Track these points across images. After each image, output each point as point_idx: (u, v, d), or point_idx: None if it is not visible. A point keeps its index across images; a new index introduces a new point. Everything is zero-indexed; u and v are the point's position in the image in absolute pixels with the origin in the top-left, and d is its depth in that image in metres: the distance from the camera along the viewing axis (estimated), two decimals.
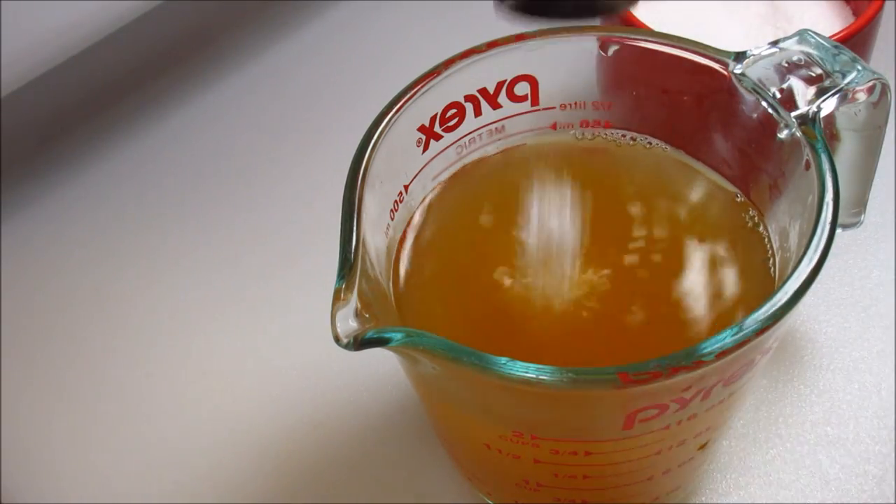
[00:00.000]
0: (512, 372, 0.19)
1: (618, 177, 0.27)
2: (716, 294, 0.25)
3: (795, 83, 0.23)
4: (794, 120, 0.23)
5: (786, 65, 0.24)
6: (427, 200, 0.27)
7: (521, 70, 0.26)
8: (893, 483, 0.29)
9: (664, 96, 0.26)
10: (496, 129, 0.27)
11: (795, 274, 0.20)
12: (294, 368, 0.33)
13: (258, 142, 0.41)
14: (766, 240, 0.25)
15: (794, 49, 0.24)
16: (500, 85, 0.26)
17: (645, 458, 0.23)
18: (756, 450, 0.30)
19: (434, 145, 0.26)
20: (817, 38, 0.24)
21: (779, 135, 0.23)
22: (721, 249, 0.25)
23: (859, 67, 0.23)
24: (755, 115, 0.24)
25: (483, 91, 0.26)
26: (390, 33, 0.44)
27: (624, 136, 0.27)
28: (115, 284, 0.36)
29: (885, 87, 0.24)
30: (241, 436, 0.32)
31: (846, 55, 0.23)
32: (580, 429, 0.22)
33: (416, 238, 0.26)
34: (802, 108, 0.23)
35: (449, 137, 0.26)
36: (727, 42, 0.32)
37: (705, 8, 0.33)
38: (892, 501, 0.28)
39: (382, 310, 0.21)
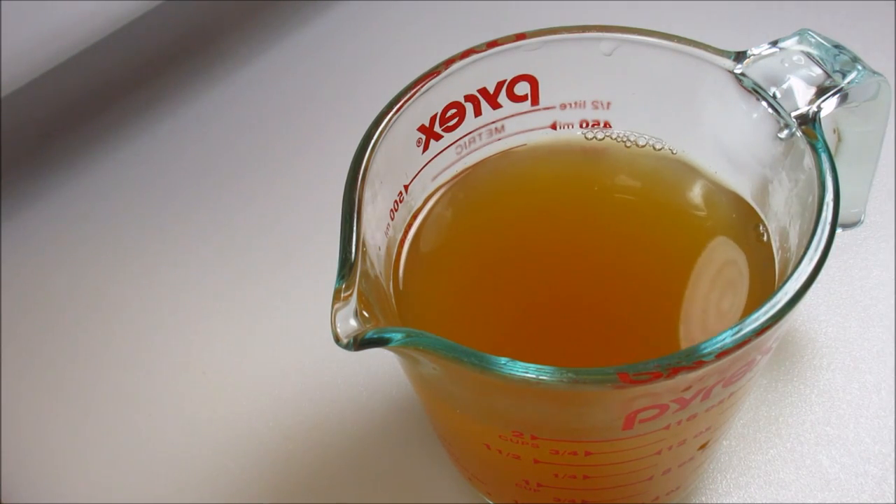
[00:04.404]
0: (512, 372, 0.19)
1: (619, 177, 0.27)
2: (716, 294, 0.25)
3: (795, 83, 0.23)
4: (794, 120, 0.23)
5: (786, 65, 0.24)
6: (427, 200, 0.27)
7: (521, 70, 0.26)
8: (893, 483, 0.29)
9: (663, 96, 0.26)
10: (496, 128, 0.27)
11: (795, 274, 0.20)
12: (294, 368, 0.33)
13: (258, 142, 0.41)
14: (766, 240, 0.25)
15: (794, 49, 0.24)
16: (500, 85, 0.26)
17: (645, 459, 0.23)
18: (756, 450, 0.30)
19: (434, 145, 0.26)
20: (817, 38, 0.24)
21: (779, 135, 0.23)
22: (721, 250, 0.25)
23: (859, 67, 0.23)
24: (755, 115, 0.24)
25: (483, 91, 0.26)
26: (390, 33, 0.44)
27: (631, 136, 0.27)
28: (115, 284, 0.36)
29: (885, 87, 0.24)
30: (241, 436, 0.32)
31: (846, 55, 0.23)
32: (580, 429, 0.22)
33: (417, 238, 0.26)
34: (802, 108, 0.23)
35: (449, 137, 0.26)
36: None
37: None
38: (892, 501, 0.28)
39: (382, 310, 0.21)
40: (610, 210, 0.27)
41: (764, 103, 0.23)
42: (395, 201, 0.25)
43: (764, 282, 0.24)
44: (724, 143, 0.26)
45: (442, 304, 0.25)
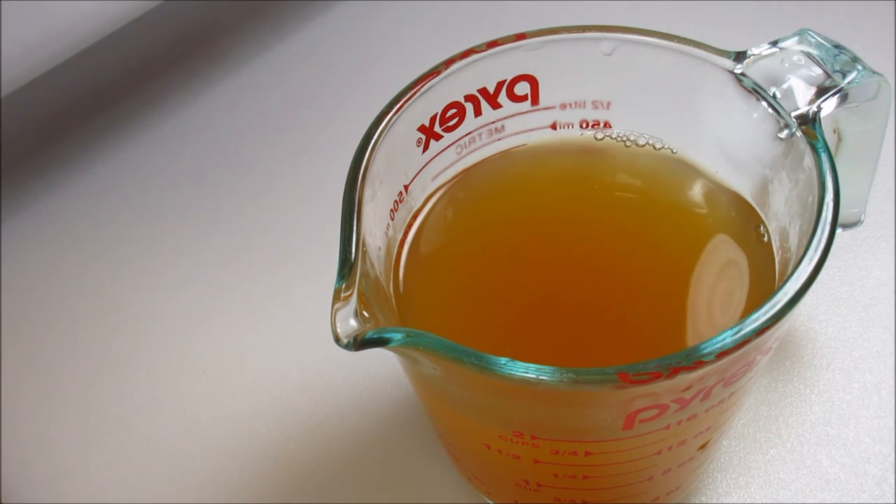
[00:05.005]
0: (512, 372, 0.19)
1: (619, 177, 0.27)
2: (716, 294, 0.25)
3: (795, 83, 0.23)
4: (794, 120, 0.23)
5: (786, 65, 0.24)
6: (427, 200, 0.27)
7: (521, 70, 0.26)
8: (893, 483, 0.29)
9: (663, 96, 0.26)
10: (496, 128, 0.27)
11: (795, 274, 0.20)
12: (294, 368, 0.33)
13: (258, 142, 0.41)
14: (767, 240, 0.25)
15: (794, 49, 0.24)
16: (500, 85, 0.26)
17: (645, 459, 0.23)
18: (756, 450, 0.30)
19: (434, 145, 0.26)
20: (817, 38, 0.24)
21: (779, 135, 0.23)
22: (722, 250, 0.25)
23: (859, 67, 0.23)
24: (755, 115, 0.24)
25: (483, 91, 0.26)
26: (390, 33, 0.44)
27: (631, 136, 0.27)
28: (115, 284, 0.36)
29: (885, 87, 0.24)
30: (241, 436, 0.32)
31: (846, 55, 0.23)
32: (580, 429, 0.22)
33: (417, 238, 0.26)
34: (802, 108, 0.23)
35: (449, 137, 0.26)
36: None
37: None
38: (892, 501, 0.28)
39: (382, 310, 0.21)
40: (610, 210, 0.27)
41: (764, 103, 0.23)
42: (395, 201, 0.25)
43: (764, 282, 0.24)
44: (724, 143, 0.26)
45: (442, 304, 0.25)
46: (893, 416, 0.30)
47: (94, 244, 0.38)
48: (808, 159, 0.22)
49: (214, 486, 0.31)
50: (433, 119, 0.25)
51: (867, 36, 0.40)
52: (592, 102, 0.27)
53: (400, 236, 0.26)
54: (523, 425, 0.22)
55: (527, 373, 0.19)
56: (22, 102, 0.38)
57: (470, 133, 0.26)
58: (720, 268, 0.25)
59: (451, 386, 0.22)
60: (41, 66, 0.36)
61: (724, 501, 0.29)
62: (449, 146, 0.26)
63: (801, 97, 0.23)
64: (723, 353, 0.19)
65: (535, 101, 0.26)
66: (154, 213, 0.39)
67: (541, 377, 0.19)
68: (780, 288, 0.20)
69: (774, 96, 0.23)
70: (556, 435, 0.22)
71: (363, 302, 0.20)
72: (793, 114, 0.23)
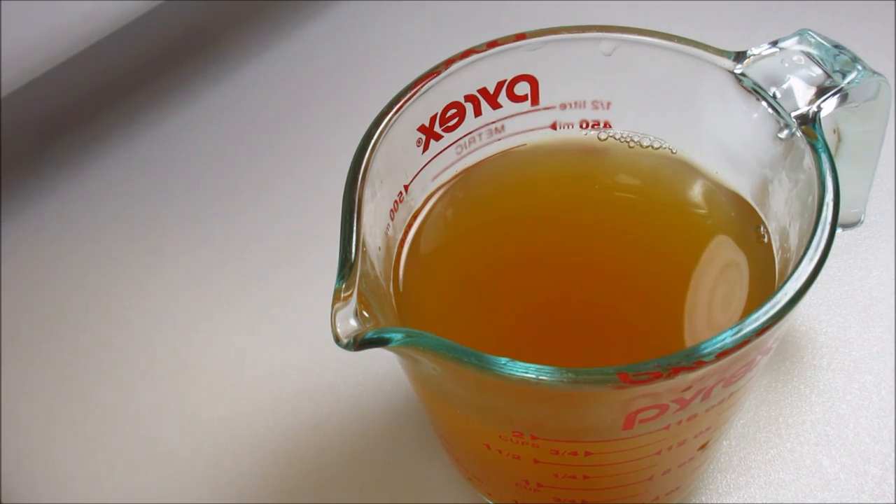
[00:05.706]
0: (512, 372, 0.19)
1: (619, 177, 0.27)
2: (716, 294, 0.25)
3: (795, 83, 0.23)
4: (794, 120, 0.23)
5: (786, 65, 0.24)
6: (427, 200, 0.27)
7: (521, 70, 0.26)
8: (893, 483, 0.29)
9: (663, 96, 0.26)
10: (496, 128, 0.27)
11: (795, 274, 0.20)
12: (294, 368, 0.33)
13: (258, 142, 0.41)
14: (767, 240, 0.25)
15: (794, 49, 0.24)
16: (500, 85, 0.26)
17: (645, 459, 0.23)
18: (756, 450, 0.30)
19: (434, 145, 0.26)
20: (817, 38, 0.24)
21: (779, 135, 0.23)
22: (722, 250, 0.25)
23: (859, 67, 0.23)
24: (755, 115, 0.24)
25: (483, 91, 0.26)
26: (390, 33, 0.44)
27: (631, 136, 0.27)
28: (115, 284, 0.36)
29: (885, 87, 0.24)
30: (241, 436, 0.32)
31: (846, 55, 0.23)
32: (580, 429, 0.22)
33: (417, 238, 0.26)
34: (802, 108, 0.23)
35: (449, 137, 0.26)
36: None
37: None
38: (892, 501, 0.28)
39: (382, 310, 0.21)
40: (610, 210, 0.27)
41: (764, 103, 0.23)
42: (395, 201, 0.25)
43: (764, 282, 0.24)
44: (724, 143, 0.26)
45: (442, 304, 0.25)
46: (893, 416, 0.30)
47: (94, 244, 0.38)
48: (808, 159, 0.22)
49: (214, 486, 0.31)
50: (433, 119, 0.25)
51: (867, 36, 0.40)
52: (592, 102, 0.27)
53: (400, 236, 0.26)
54: (523, 425, 0.22)
55: (527, 373, 0.19)
56: (22, 102, 0.39)
57: (470, 133, 0.26)
58: (720, 268, 0.25)
59: (451, 386, 0.22)
60: (41, 66, 0.36)
61: (724, 501, 0.29)
62: (449, 146, 0.26)
63: (801, 97, 0.23)
64: (723, 353, 0.19)
65: (535, 101, 0.26)
66: (154, 212, 0.39)
67: (541, 377, 0.19)
68: (780, 288, 0.20)
69: (774, 96, 0.23)
70: (556, 435, 0.22)
71: (363, 302, 0.20)
72: (793, 114, 0.23)
